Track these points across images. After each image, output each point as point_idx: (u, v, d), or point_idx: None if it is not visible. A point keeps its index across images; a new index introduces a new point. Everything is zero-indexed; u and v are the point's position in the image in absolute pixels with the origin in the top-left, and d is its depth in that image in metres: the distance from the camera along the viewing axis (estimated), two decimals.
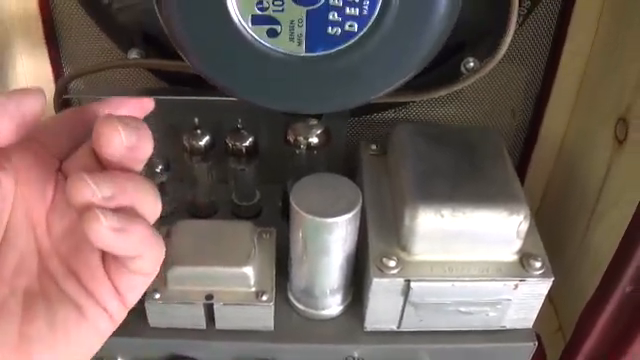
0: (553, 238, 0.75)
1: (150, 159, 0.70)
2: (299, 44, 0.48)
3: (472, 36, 0.66)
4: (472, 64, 0.67)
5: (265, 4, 0.46)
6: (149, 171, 0.71)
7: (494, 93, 0.76)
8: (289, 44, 0.48)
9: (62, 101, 0.65)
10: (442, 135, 0.68)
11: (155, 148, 0.70)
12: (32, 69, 0.72)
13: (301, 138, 0.69)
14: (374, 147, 0.73)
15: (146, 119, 0.75)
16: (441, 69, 0.67)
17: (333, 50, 0.48)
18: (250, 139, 0.70)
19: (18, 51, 0.71)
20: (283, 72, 0.49)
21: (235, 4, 0.46)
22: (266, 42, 0.48)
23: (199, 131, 0.70)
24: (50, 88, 0.69)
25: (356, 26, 0.47)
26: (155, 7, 0.49)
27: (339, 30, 0.47)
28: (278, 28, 0.47)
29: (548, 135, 0.76)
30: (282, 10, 0.46)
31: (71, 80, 0.71)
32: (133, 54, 0.67)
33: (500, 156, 0.66)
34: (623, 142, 0.64)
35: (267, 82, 0.50)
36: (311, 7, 0.47)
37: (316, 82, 0.49)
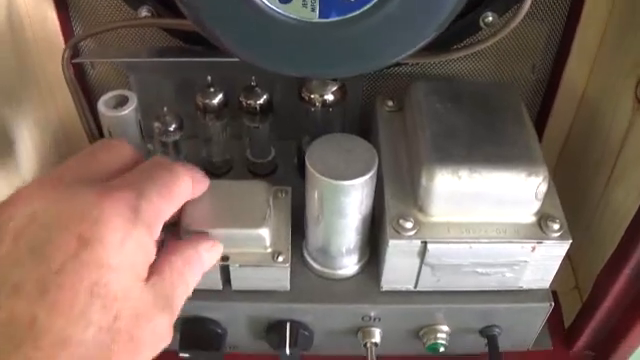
0: (571, 194, 0.74)
1: (163, 117, 0.70)
2: (312, 10, 0.47)
3: None
4: (491, 18, 0.65)
5: None
6: (163, 128, 0.70)
7: (514, 48, 0.74)
8: (302, 10, 0.47)
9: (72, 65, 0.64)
10: (459, 93, 0.67)
11: (168, 106, 0.70)
12: (40, 29, 0.71)
13: (316, 95, 0.68)
14: (390, 103, 0.72)
15: (159, 77, 0.75)
16: (459, 24, 0.66)
17: (347, 16, 0.47)
18: (264, 97, 0.69)
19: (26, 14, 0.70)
20: (296, 38, 0.48)
21: None
22: (278, 8, 0.46)
23: (212, 89, 0.69)
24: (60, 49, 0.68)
25: None
26: None
27: None
28: None
29: (568, 90, 0.75)
30: None
31: (81, 40, 0.70)
32: (143, 12, 0.66)
33: (519, 114, 0.65)
34: None
35: (279, 48, 0.49)
36: None
37: (330, 48, 0.49)
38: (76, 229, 0.41)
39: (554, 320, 0.71)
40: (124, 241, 0.43)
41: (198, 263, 0.53)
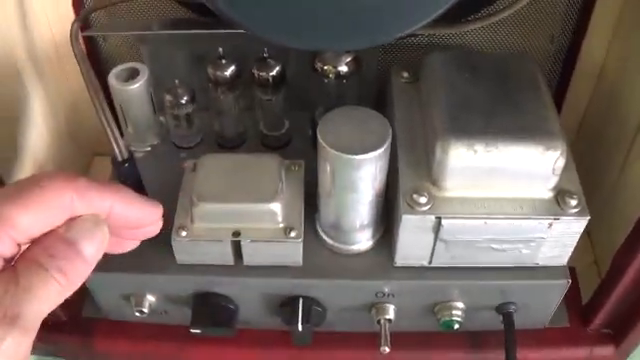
0: (590, 169, 0.73)
1: (175, 90, 0.69)
2: None
3: None
4: None
5: None
6: (174, 101, 0.70)
7: (532, 17, 0.72)
8: None
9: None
10: (476, 64, 0.65)
11: (180, 78, 0.69)
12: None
13: (330, 67, 0.66)
14: (406, 74, 0.70)
15: (171, 49, 0.74)
16: None
17: None
18: (277, 68, 0.68)
19: None
20: (306, 9, 0.46)
21: None
22: None
23: (224, 61, 0.68)
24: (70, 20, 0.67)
25: None
26: None
27: None
28: None
29: (587, 61, 0.73)
30: None
31: (90, 13, 0.69)
32: None
33: (537, 87, 0.63)
34: None
35: (289, 20, 0.47)
36: None
37: (342, 18, 0.47)
38: None
39: (571, 297, 0.70)
40: None
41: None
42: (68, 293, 0.39)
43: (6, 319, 0.35)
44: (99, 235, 0.41)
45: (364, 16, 0.46)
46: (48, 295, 0.38)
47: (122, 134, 0.72)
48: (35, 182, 0.39)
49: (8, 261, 0.38)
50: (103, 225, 0.41)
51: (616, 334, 0.72)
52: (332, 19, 0.47)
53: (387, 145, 0.58)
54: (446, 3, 0.47)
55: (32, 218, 0.38)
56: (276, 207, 0.62)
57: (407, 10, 0.47)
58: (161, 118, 0.73)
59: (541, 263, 0.64)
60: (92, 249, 0.40)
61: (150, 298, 0.68)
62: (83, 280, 0.40)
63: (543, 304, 0.68)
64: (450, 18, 0.61)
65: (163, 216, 0.46)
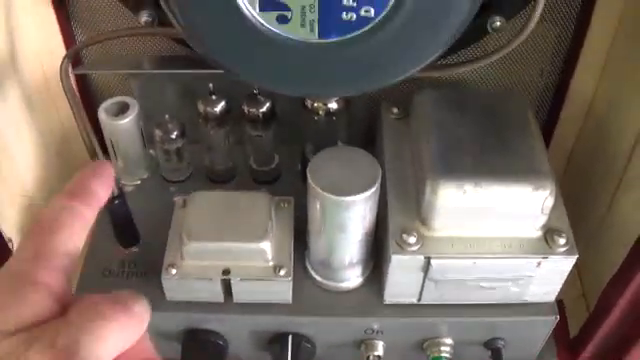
0: (579, 203, 0.73)
1: (165, 124, 0.69)
2: (311, 30, 0.45)
3: None
4: (499, 23, 0.63)
5: None
6: (164, 136, 0.70)
7: (522, 52, 0.72)
8: (301, 30, 0.45)
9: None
10: (466, 102, 0.65)
11: (171, 112, 0.69)
12: (41, 36, 0.70)
13: (319, 104, 0.67)
14: (395, 110, 0.70)
15: (161, 83, 0.74)
16: (465, 30, 0.64)
17: (348, 36, 0.45)
18: (267, 104, 0.68)
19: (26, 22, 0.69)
20: (295, 59, 0.47)
21: None
22: (276, 29, 0.45)
23: (214, 97, 0.68)
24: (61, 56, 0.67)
25: (372, 11, 0.45)
26: None
27: (354, 15, 0.45)
28: (288, 14, 0.45)
29: (576, 96, 0.73)
30: None
31: (80, 50, 0.69)
32: (144, 17, 0.65)
33: (526, 125, 0.63)
34: None
35: (278, 69, 0.48)
36: None
37: (330, 69, 0.47)
38: None
39: (559, 329, 0.70)
40: None
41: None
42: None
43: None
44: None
45: (350, 68, 0.47)
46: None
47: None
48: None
49: None
50: None
51: None
52: (319, 70, 0.47)
53: (377, 186, 0.58)
54: (434, 53, 0.48)
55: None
56: (266, 246, 0.62)
57: (395, 60, 0.47)
58: (151, 151, 0.74)
59: (530, 300, 0.64)
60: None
61: None
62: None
63: (531, 339, 0.68)
64: (441, 55, 0.62)
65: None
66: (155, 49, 0.72)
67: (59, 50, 0.71)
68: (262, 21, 0.45)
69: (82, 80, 0.75)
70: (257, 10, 0.44)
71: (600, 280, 0.68)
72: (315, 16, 0.45)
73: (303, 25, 0.45)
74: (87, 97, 0.76)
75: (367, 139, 0.72)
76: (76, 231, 0.39)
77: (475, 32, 0.64)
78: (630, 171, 0.66)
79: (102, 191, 0.42)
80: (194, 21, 0.46)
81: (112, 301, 0.37)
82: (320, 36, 0.45)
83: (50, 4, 0.68)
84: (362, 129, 0.75)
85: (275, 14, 0.45)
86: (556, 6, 0.69)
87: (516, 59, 0.73)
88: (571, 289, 0.75)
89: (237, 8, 0.44)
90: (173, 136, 0.70)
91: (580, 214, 0.73)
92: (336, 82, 0.49)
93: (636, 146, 0.65)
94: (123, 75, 0.75)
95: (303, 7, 0.44)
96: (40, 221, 0.39)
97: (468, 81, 0.75)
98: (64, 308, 0.37)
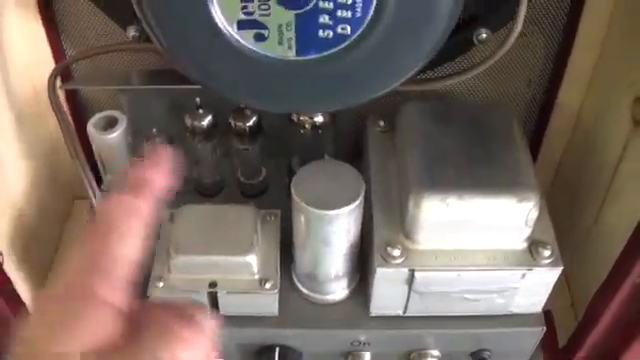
0: (567, 214, 0.73)
1: (153, 138, 0.70)
2: (289, 48, 0.46)
3: (484, 8, 0.63)
4: (485, 35, 0.63)
5: (250, 8, 0.44)
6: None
7: (509, 63, 0.73)
8: (278, 48, 0.46)
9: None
10: (451, 114, 0.66)
11: (160, 125, 0.69)
12: (31, 51, 0.71)
13: (305, 118, 0.67)
14: (382, 123, 0.70)
15: (150, 97, 0.74)
16: (452, 42, 0.64)
17: (325, 54, 0.46)
18: (253, 118, 0.68)
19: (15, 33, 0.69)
20: (274, 76, 0.47)
21: (219, 10, 0.44)
22: (254, 47, 0.46)
23: (201, 111, 0.68)
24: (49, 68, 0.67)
25: (349, 29, 0.45)
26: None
27: (331, 33, 0.45)
28: (266, 32, 0.45)
29: (564, 107, 0.74)
30: (269, 14, 0.44)
31: (67, 66, 0.69)
32: (131, 31, 0.65)
33: (512, 138, 0.64)
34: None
35: (258, 86, 0.48)
36: (299, 11, 0.44)
37: (309, 85, 0.48)
38: None
39: (548, 340, 0.70)
40: None
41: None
42: None
43: None
44: None
45: (330, 84, 0.47)
46: None
47: (101, 181, 0.73)
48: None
49: None
50: None
51: None
52: (298, 87, 0.48)
53: (360, 200, 0.58)
54: (414, 68, 0.48)
55: None
56: (252, 259, 0.62)
57: (374, 75, 0.48)
58: None
59: (515, 311, 0.65)
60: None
61: None
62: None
63: (518, 350, 0.69)
64: (427, 67, 0.62)
65: None
66: (144, 63, 0.73)
67: (49, 64, 0.71)
68: (240, 39, 0.45)
69: (72, 95, 0.76)
70: (235, 29, 0.45)
71: (588, 290, 0.68)
72: (292, 34, 0.45)
73: (281, 43, 0.46)
74: (77, 111, 0.77)
75: (355, 152, 0.73)
76: (134, 231, 0.35)
77: (461, 44, 0.65)
78: (616, 182, 0.66)
79: (158, 179, 0.37)
80: (174, 41, 0.46)
81: (184, 320, 0.35)
82: (298, 54, 0.46)
83: (40, 19, 0.69)
84: (349, 142, 0.75)
85: (252, 32, 0.45)
86: (543, 17, 0.69)
87: (504, 70, 0.73)
88: (560, 299, 0.75)
89: (215, 27, 0.45)
90: None
91: (568, 225, 0.73)
92: (316, 98, 0.49)
93: (622, 158, 0.65)
94: (112, 90, 0.76)
95: (280, 25, 0.45)
96: (94, 223, 0.36)
97: (456, 93, 0.75)
98: (128, 322, 0.34)
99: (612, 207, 0.67)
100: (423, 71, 0.63)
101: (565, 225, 0.71)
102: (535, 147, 0.77)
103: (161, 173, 0.38)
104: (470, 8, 0.60)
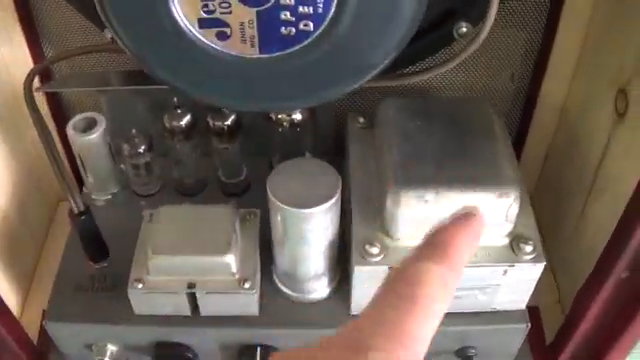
0: (553, 210, 0.73)
1: (132, 139, 0.69)
2: (252, 46, 0.45)
3: (461, 1, 0.62)
4: (465, 29, 0.62)
5: (211, 7, 0.44)
6: (132, 151, 0.70)
7: (492, 57, 0.72)
8: (241, 46, 0.45)
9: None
10: (431, 110, 0.65)
11: (140, 126, 0.69)
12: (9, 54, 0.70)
13: (283, 115, 0.67)
14: (362, 120, 0.70)
15: (130, 97, 0.74)
16: (433, 36, 0.64)
17: (288, 51, 0.45)
18: (232, 117, 0.68)
19: None
20: (238, 74, 0.47)
21: (179, 8, 0.43)
22: (216, 45, 0.45)
23: (179, 110, 0.68)
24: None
25: (311, 25, 0.44)
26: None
27: (293, 30, 0.45)
28: (228, 30, 0.45)
29: (548, 101, 0.73)
30: (230, 12, 0.44)
31: (43, 69, 0.69)
32: (109, 33, 0.65)
33: (492, 132, 0.63)
34: (623, 115, 0.60)
35: (222, 85, 0.48)
36: (260, 7, 0.44)
37: (274, 83, 0.47)
38: None
39: (535, 336, 0.70)
40: None
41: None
42: None
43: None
44: None
45: (295, 82, 0.47)
46: None
47: (83, 183, 0.73)
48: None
49: None
50: None
51: None
52: (262, 85, 0.47)
53: (336, 198, 0.58)
54: (380, 63, 0.47)
55: None
56: (230, 259, 0.62)
57: (341, 72, 0.47)
58: (122, 166, 0.73)
59: (499, 308, 0.64)
60: None
61: (111, 347, 0.68)
62: None
63: (504, 347, 0.68)
64: (408, 61, 0.62)
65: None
66: (123, 63, 0.72)
67: (28, 66, 0.71)
68: (202, 38, 0.45)
69: (52, 96, 0.76)
70: (197, 28, 0.44)
71: (575, 286, 0.67)
72: (254, 32, 0.45)
73: (244, 41, 0.45)
74: (58, 113, 0.76)
75: (336, 148, 0.72)
76: (438, 306, 0.30)
77: (442, 39, 0.64)
78: (600, 177, 0.65)
79: (467, 254, 0.33)
80: (136, 42, 0.46)
81: None
82: (261, 51, 0.45)
83: (17, 22, 0.69)
84: (330, 138, 0.75)
85: (215, 31, 0.45)
86: (524, 10, 0.68)
87: (487, 65, 0.73)
88: (548, 295, 0.75)
89: (177, 26, 0.44)
90: (140, 150, 0.69)
91: (555, 220, 0.72)
92: (281, 96, 0.48)
93: (605, 153, 0.64)
94: (92, 90, 0.75)
95: (242, 23, 0.44)
96: (399, 285, 0.31)
97: (439, 88, 0.75)
98: None
99: (597, 202, 0.67)
100: (404, 66, 0.63)
101: (552, 220, 0.71)
102: (520, 142, 0.76)
103: (472, 246, 0.34)
104: (447, 2, 0.59)
